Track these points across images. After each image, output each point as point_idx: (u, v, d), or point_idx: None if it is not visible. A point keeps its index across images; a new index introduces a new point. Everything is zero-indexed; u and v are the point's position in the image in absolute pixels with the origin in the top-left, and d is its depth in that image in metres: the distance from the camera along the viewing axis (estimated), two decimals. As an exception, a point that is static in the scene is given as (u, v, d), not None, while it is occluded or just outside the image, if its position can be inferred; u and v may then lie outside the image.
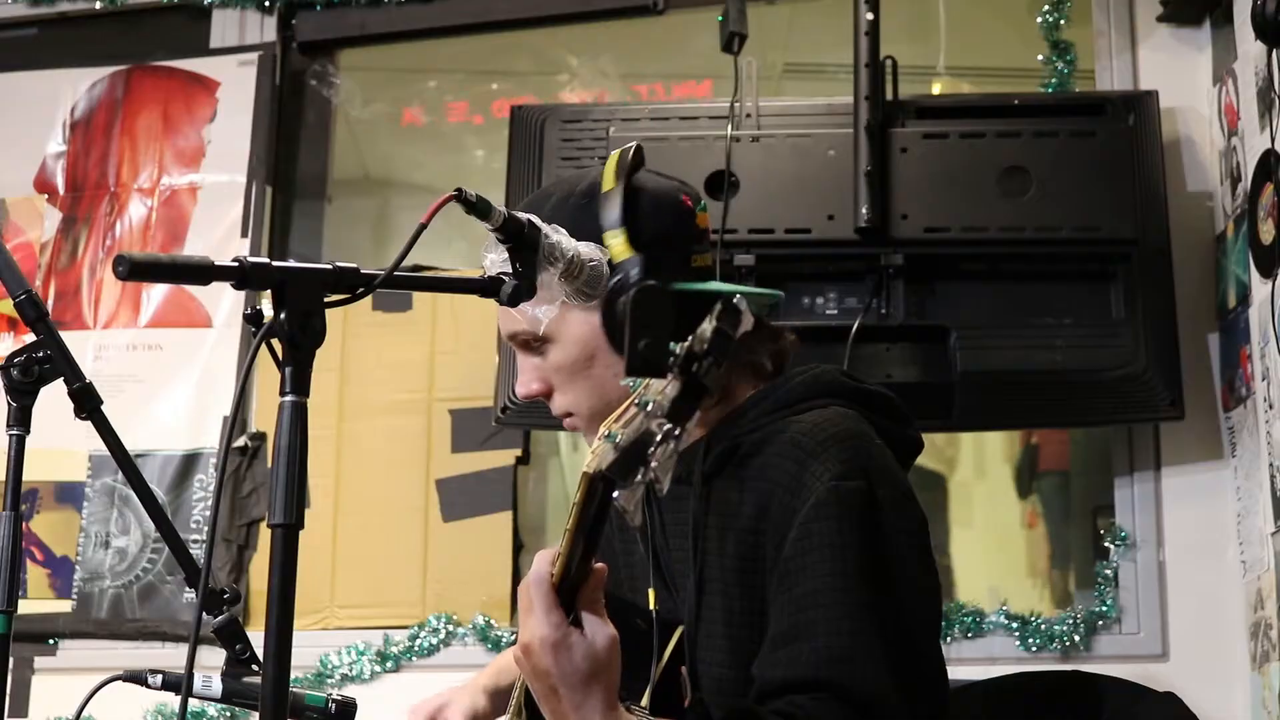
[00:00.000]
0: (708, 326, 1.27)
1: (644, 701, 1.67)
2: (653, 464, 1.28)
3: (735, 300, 1.28)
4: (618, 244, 1.73)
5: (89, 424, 1.86)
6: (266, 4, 3.70)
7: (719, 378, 1.27)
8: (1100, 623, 3.15)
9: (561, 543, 1.44)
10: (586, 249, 1.70)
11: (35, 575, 3.43)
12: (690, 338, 1.28)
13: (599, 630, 1.46)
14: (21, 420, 1.85)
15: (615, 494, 1.33)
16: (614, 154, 1.79)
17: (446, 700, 2.02)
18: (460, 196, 1.52)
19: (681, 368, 1.27)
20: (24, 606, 1.99)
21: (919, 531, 1.70)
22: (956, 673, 1.74)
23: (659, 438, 1.28)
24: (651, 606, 1.76)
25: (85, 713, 1.98)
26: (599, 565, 1.47)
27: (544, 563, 1.47)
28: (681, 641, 1.74)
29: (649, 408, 1.29)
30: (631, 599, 1.88)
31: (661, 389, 1.29)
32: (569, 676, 1.45)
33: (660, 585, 1.81)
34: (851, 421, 1.72)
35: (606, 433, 1.34)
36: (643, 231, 1.74)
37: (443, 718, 1.99)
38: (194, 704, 2.98)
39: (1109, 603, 3.16)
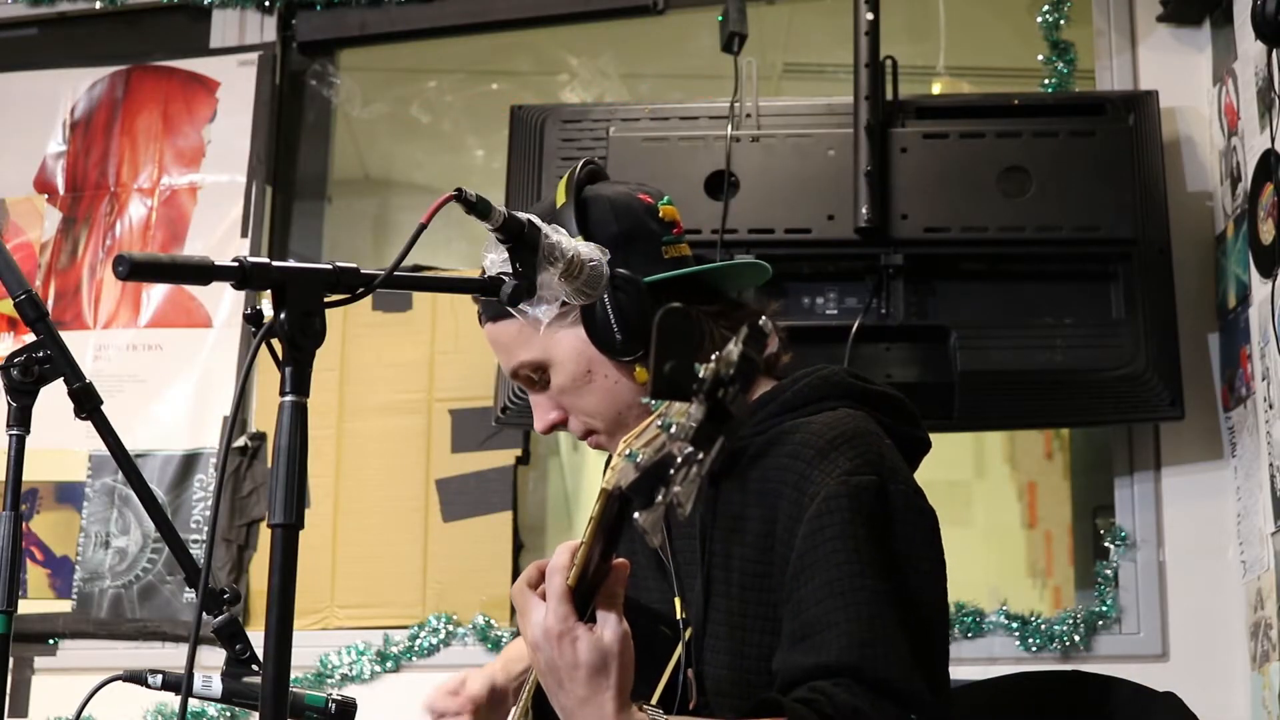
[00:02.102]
0: (734, 350, 1.25)
1: (653, 702, 1.67)
2: (674, 487, 1.27)
3: (761, 323, 1.27)
4: None
5: (89, 424, 1.87)
6: (266, 4, 3.70)
7: (744, 404, 1.26)
8: (1100, 623, 3.15)
9: (579, 552, 1.44)
10: (586, 249, 1.70)
11: (35, 575, 3.43)
12: (715, 360, 1.26)
13: (609, 624, 1.45)
14: (21, 420, 1.85)
15: (636, 515, 1.32)
16: (566, 173, 1.83)
17: (465, 675, 2.02)
18: (460, 196, 1.52)
19: (707, 394, 1.26)
20: (24, 606, 2.00)
21: (931, 528, 1.70)
22: (956, 673, 1.74)
23: (680, 461, 1.27)
24: (678, 615, 1.75)
25: (85, 713, 1.98)
26: (619, 561, 1.46)
27: (561, 555, 1.46)
28: (685, 643, 1.74)
29: (672, 430, 1.28)
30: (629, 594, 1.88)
31: (684, 411, 1.27)
32: (574, 669, 1.44)
33: (669, 588, 1.80)
34: (860, 421, 1.72)
35: (627, 451, 1.34)
36: (601, 234, 1.77)
37: (464, 688, 2.00)
38: (194, 704, 2.98)
39: (1109, 603, 3.16)
